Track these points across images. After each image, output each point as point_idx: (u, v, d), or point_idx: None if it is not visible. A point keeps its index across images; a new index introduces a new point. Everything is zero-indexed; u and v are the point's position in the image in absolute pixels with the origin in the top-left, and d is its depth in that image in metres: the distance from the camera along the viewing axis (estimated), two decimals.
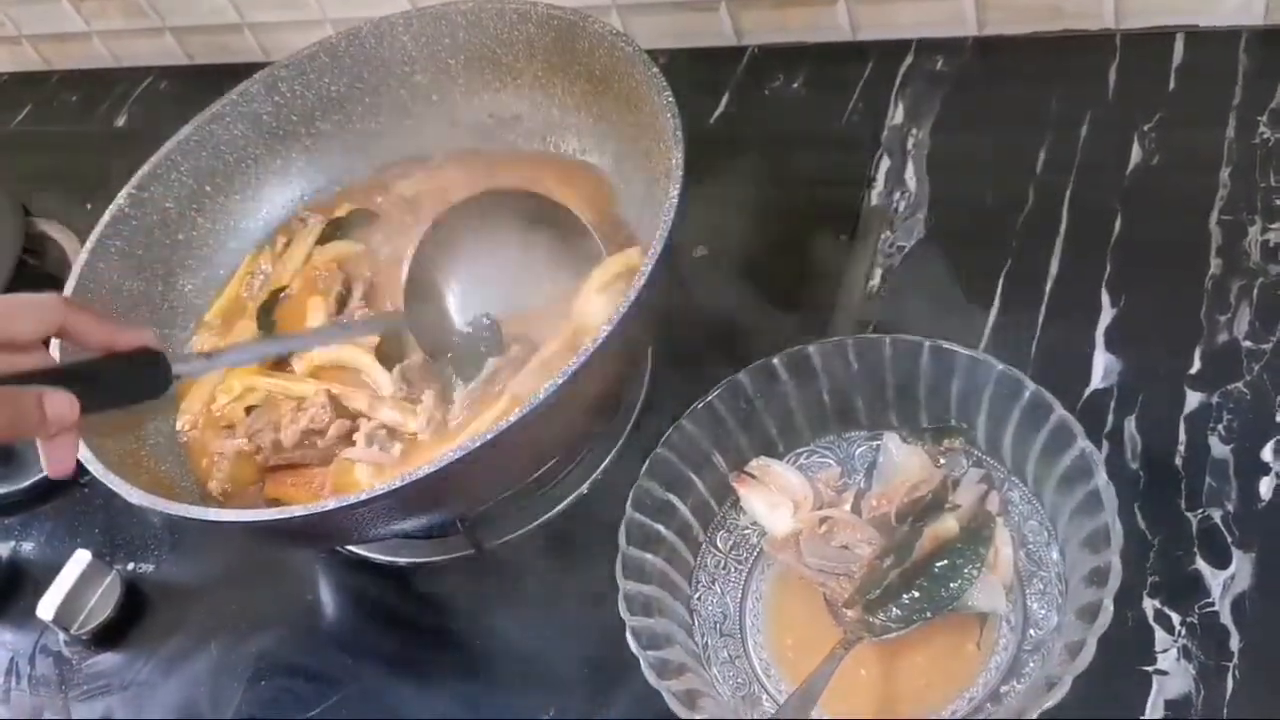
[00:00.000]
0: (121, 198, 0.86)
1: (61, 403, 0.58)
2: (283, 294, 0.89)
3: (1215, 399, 0.72)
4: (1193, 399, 0.72)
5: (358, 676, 0.77)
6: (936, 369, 0.71)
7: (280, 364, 0.85)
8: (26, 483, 0.93)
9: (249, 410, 0.83)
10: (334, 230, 0.92)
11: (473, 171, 0.90)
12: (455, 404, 0.78)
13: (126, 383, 0.65)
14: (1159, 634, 0.65)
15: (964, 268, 0.84)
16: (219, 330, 0.90)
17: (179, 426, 0.85)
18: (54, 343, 0.65)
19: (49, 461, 0.61)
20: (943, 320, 0.80)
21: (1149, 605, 0.66)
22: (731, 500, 0.74)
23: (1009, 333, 0.79)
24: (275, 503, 0.79)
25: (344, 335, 0.83)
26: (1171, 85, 0.88)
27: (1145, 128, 0.86)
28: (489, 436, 0.62)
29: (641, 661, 0.64)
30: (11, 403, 0.57)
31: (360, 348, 0.83)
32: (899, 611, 0.65)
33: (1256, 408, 0.71)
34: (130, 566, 0.88)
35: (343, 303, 0.87)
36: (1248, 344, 0.74)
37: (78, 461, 0.66)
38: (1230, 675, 0.63)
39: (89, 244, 0.84)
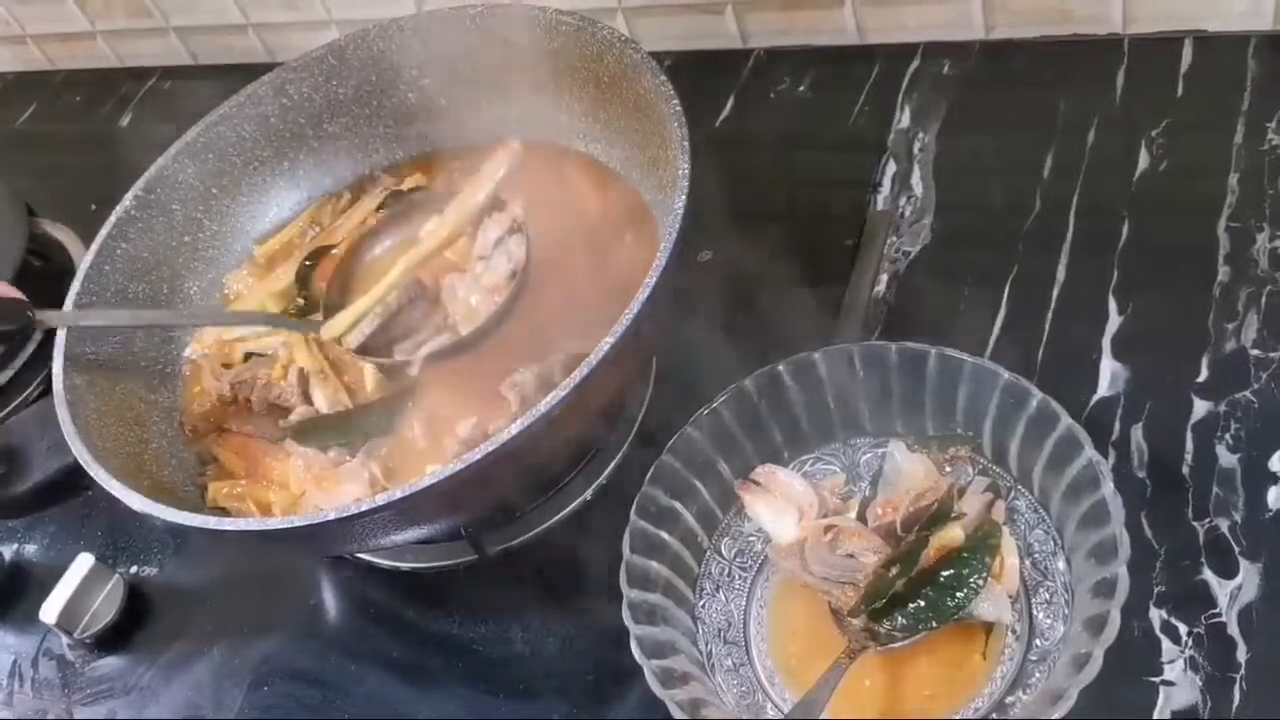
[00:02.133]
0: (128, 200, 0.86)
1: None
2: (331, 251, 0.90)
3: (1223, 408, 0.72)
4: (1200, 407, 0.72)
5: (361, 681, 0.77)
6: (942, 376, 0.71)
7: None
8: (29, 485, 0.92)
9: (248, 357, 0.85)
10: (394, 201, 0.91)
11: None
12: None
13: None
14: (1165, 644, 0.65)
15: (970, 273, 0.83)
16: (262, 268, 0.92)
17: (188, 354, 0.87)
18: None
19: None
20: (949, 327, 0.80)
21: (1155, 615, 0.65)
22: (736, 507, 0.74)
23: (1015, 339, 0.79)
24: (215, 463, 0.81)
25: (244, 320, 0.83)
26: (1179, 90, 0.88)
27: (1153, 133, 0.86)
28: (491, 447, 0.61)
29: (645, 670, 0.64)
30: None
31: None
32: (904, 620, 0.65)
33: (1264, 416, 0.71)
34: (133, 570, 0.88)
35: None
36: (1256, 352, 0.73)
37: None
38: (1237, 686, 0.62)
39: (94, 247, 0.84)
